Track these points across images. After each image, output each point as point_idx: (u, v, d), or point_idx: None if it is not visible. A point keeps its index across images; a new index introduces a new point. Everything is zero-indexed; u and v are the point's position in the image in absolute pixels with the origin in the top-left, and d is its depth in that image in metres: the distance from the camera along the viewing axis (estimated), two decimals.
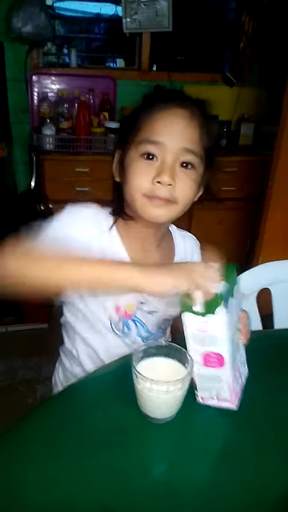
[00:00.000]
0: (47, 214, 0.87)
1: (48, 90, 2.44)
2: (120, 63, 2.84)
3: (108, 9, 2.86)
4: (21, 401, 1.71)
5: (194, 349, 0.64)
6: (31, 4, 2.12)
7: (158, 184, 0.72)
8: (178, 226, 0.94)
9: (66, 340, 0.92)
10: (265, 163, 2.23)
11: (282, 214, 1.95)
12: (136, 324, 0.86)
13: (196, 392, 0.68)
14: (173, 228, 0.93)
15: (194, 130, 0.73)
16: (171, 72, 2.55)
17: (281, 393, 0.74)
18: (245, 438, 0.66)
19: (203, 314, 0.61)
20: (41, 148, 2.22)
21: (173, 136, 0.72)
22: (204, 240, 2.98)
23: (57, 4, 2.66)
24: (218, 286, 0.61)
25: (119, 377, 0.73)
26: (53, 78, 2.46)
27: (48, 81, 2.45)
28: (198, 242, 0.98)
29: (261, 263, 1.15)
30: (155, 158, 0.72)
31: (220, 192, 2.74)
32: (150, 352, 0.68)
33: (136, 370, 0.62)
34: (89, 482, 0.56)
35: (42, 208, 2.12)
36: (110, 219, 0.81)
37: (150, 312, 0.85)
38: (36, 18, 2.14)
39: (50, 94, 2.43)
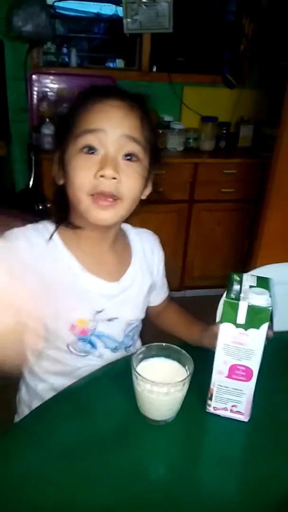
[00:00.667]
0: (45, 213, 0.86)
1: (48, 90, 2.43)
2: (119, 63, 2.83)
3: (108, 9, 2.86)
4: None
5: (223, 359, 0.64)
6: (31, 3, 2.12)
7: (102, 179, 0.68)
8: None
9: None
10: (264, 165, 2.23)
11: (280, 216, 1.95)
12: (100, 339, 0.82)
13: (208, 401, 0.67)
14: (127, 227, 0.88)
15: (135, 119, 0.70)
16: (171, 73, 2.55)
17: (280, 396, 0.74)
18: (244, 441, 0.66)
19: (245, 327, 0.60)
20: (40, 147, 2.21)
21: (113, 123, 0.69)
22: (203, 241, 2.98)
23: (57, 4, 2.65)
24: (266, 301, 0.59)
25: (119, 377, 0.72)
26: (52, 77, 2.45)
27: (48, 80, 2.45)
28: (156, 236, 0.94)
29: (260, 264, 1.15)
30: (96, 152, 0.69)
31: (219, 193, 2.74)
32: (150, 353, 0.68)
33: (136, 372, 0.62)
34: (89, 484, 0.56)
35: (40, 207, 2.12)
36: (51, 230, 0.77)
37: (110, 320, 0.81)
38: (37, 17, 2.13)
39: (49, 94, 2.42)
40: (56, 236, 0.76)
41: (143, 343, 0.98)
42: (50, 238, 0.75)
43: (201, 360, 0.69)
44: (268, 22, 2.52)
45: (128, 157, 0.70)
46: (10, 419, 0.95)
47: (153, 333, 0.96)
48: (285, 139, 1.82)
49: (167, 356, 0.68)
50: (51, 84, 2.45)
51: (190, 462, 0.61)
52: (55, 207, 0.79)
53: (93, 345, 0.82)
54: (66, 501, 0.53)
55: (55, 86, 2.45)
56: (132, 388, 0.64)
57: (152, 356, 0.68)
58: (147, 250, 0.89)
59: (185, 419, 0.67)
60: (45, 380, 0.84)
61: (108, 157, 0.68)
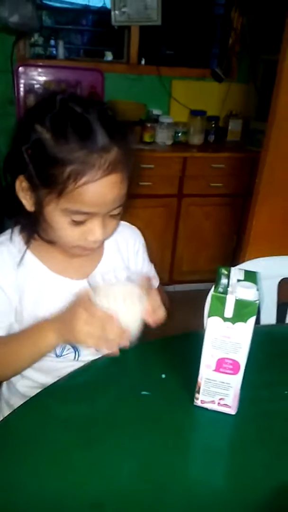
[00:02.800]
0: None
1: (35, 82, 2.40)
2: (108, 56, 2.80)
3: (96, 1, 2.82)
4: None
5: (210, 353, 0.64)
6: None
7: (89, 240, 0.70)
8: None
9: None
10: (253, 159, 2.23)
11: (269, 210, 1.96)
12: None
13: (196, 394, 0.67)
14: None
15: (122, 186, 0.69)
16: (159, 66, 2.53)
17: (266, 389, 0.74)
18: (232, 433, 0.66)
19: (233, 321, 0.60)
20: None
21: (105, 205, 0.68)
22: (192, 236, 2.98)
23: None
24: (254, 294, 0.59)
25: (111, 371, 0.72)
26: (40, 70, 2.42)
27: (35, 73, 2.41)
28: (134, 228, 0.92)
29: (248, 258, 1.16)
30: (84, 222, 0.69)
31: (208, 188, 2.74)
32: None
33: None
34: (75, 478, 0.55)
35: None
36: (18, 243, 0.77)
37: None
38: (23, 8, 2.10)
39: (36, 86, 2.39)
40: (27, 251, 0.77)
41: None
42: (21, 260, 0.76)
43: (189, 354, 0.69)
44: (257, 16, 2.51)
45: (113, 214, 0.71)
46: None
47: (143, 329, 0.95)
48: (274, 133, 1.82)
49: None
50: (38, 77, 2.42)
51: (178, 455, 0.61)
52: (22, 221, 0.76)
53: (73, 346, 0.81)
54: (54, 496, 0.53)
55: (43, 78, 2.42)
56: (125, 382, 0.64)
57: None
58: (121, 243, 0.88)
59: (173, 412, 0.67)
60: (27, 377, 0.83)
61: (97, 225, 0.69)
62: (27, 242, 0.76)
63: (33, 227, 0.74)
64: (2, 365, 0.74)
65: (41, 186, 0.66)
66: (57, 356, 0.81)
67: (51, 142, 0.64)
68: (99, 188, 0.65)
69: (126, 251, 0.88)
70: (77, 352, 0.82)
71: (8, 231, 0.78)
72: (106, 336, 0.65)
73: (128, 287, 0.71)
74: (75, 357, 0.83)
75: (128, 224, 0.90)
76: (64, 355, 0.82)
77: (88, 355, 0.82)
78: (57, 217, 0.68)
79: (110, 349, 0.67)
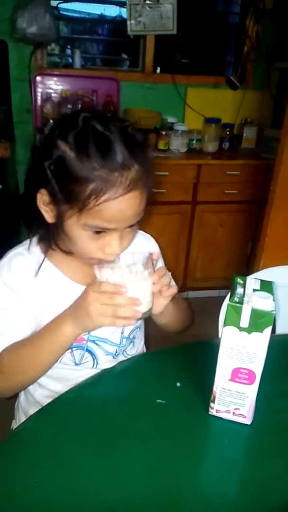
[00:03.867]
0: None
1: (52, 91, 2.44)
2: (123, 64, 2.84)
3: (112, 11, 2.86)
4: None
5: (226, 363, 0.64)
6: (36, 5, 2.12)
7: (107, 252, 0.71)
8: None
9: None
10: (268, 167, 2.23)
11: (284, 217, 1.95)
12: (97, 344, 0.83)
13: (211, 404, 0.67)
14: None
15: (141, 202, 0.69)
16: (174, 74, 2.55)
17: (282, 399, 0.74)
18: (247, 443, 0.66)
19: (249, 331, 0.60)
20: None
21: (124, 221, 0.69)
22: (206, 243, 2.97)
23: (61, 5, 2.66)
24: (270, 305, 0.59)
25: (126, 379, 0.73)
26: (56, 78, 2.46)
27: (52, 82, 2.46)
28: (148, 236, 0.93)
29: (263, 266, 1.15)
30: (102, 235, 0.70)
31: (222, 195, 2.73)
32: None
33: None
34: (89, 486, 0.56)
35: None
36: (36, 253, 0.78)
37: None
38: (41, 19, 2.14)
39: (53, 95, 2.43)
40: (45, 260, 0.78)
41: (148, 348, 0.98)
42: (39, 269, 0.77)
43: (204, 362, 0.69)
44: (272, 24, 2.52)
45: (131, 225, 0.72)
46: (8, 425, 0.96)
47: (159, 336, 0.96)
48: None
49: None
50: (55, 86, 2.46)
51: (192, 464, 0.61)
52: (41, 232, 0.78)
53: (91, 353, 0.82)
54: (68, 503, 0.54)
55: (59, 87, 2.46)
56: (137, 390, 0.64)
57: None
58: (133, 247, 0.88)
59: (188, 421, 0.67)
60: (44, 386, 0.84)
61: (116, 237, 0.70)
62: (46, 252, 0.78)
63: (51, 238, 0.75)
64: (27, 364, 0.75)
65: (62, 201, 0.68)
66: (76, 364, 0.82)
67: (74, 160, 0.65)
68: (119, 205, 0.66)
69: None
70: (95, 360, 0.83)
71: (26, 242, 0.80)
72: (119, 311, 0.66)
73: (133, 261, 0.73)
74: (93, 365, 0.83)
75: (142, 232, 0.90)
76: (83, 363, 0.82)
77: (106, 362, 0.83)
78: (77, 230, 0.69)
79: (126, 323, 0.69)
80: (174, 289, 0.75)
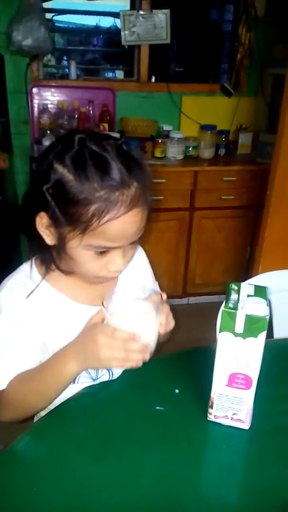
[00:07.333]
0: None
1: (48, 102, 2.47)
2: (119, 74, 2.87)
3: (106, 22, 2.90)
4: None
5: (222, 368, 0.64)
6: (31, 18, 2.15)
7: (111, 270, 0.71)
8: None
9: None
10: (264, 172, 2.24)
11: (281, 221, 1.96)
12: None
13: (209, 409, 0.68)
14: None
15: (143, 218, 0.70)
16: (169, 83, 2.58)
17: (280, 403, 0.74)
18: (245, 448, 0.67)
19: (244, 336, 0.61)
20: None
21: (127, 239, 0.69)
22: (205, 248, 2.98)
23: (56, 18, 2.69)
24: (264, 310, 0.60)
25: (125, 387, 0.74)
26: (53, 90, 2.49)
27: (48, 93, 2.48)
28: (139, 246, 0.91)
29: (261, 270, 1.16)
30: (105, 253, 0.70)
31: (219, 200, 2.75)
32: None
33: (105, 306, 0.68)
34: (96, 493, 0.56)
35: None
36: (36, 277, 0.78)
37: None
38: (36, 32, 2.17)
39: (50, 106, 2.46)
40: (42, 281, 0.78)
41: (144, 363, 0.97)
42: (38, 294, 0.76)
43: (202, 368, 0.70)
44: (264, 31, 2.55)
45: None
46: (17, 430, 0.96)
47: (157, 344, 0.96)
48: (283, 145, 1.83)
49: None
50: (51, 97, 2.49)
51: (191, 469, 0.62)
52: (41, 254, 0.77)
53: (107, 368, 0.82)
54: (70, 509, 0.54)
55: (56, 98, 2.49)
56: (139, 396, 0.65)
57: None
58: (131, 265, 0.88)
59: (187, 427, 0.68)
60: None
61: (118, 256, 0.70)
62: (46, 274, 0.77)
63: (52, 259, 0.75)
64: (31, 400, 0.75)
65: (64, 224, 0.67)
66: (93, 379, 0.82)
67: (73, 182, 0.65)
68: (122, 224, 0.66)
69: (135, 269, 0.89)
70: (111, 373, 0.83)
71: (27, 267, 0.79)
72: (129, 356, 0.66)
73: (143, 304, 0.72)
74: (109, 378, 0.83)
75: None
76: (99, 377, 0.82)
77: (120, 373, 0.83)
78: (80, 251, 0.69)
79: (134, 366, 0.68)
80: (172, 323, 0.75)
